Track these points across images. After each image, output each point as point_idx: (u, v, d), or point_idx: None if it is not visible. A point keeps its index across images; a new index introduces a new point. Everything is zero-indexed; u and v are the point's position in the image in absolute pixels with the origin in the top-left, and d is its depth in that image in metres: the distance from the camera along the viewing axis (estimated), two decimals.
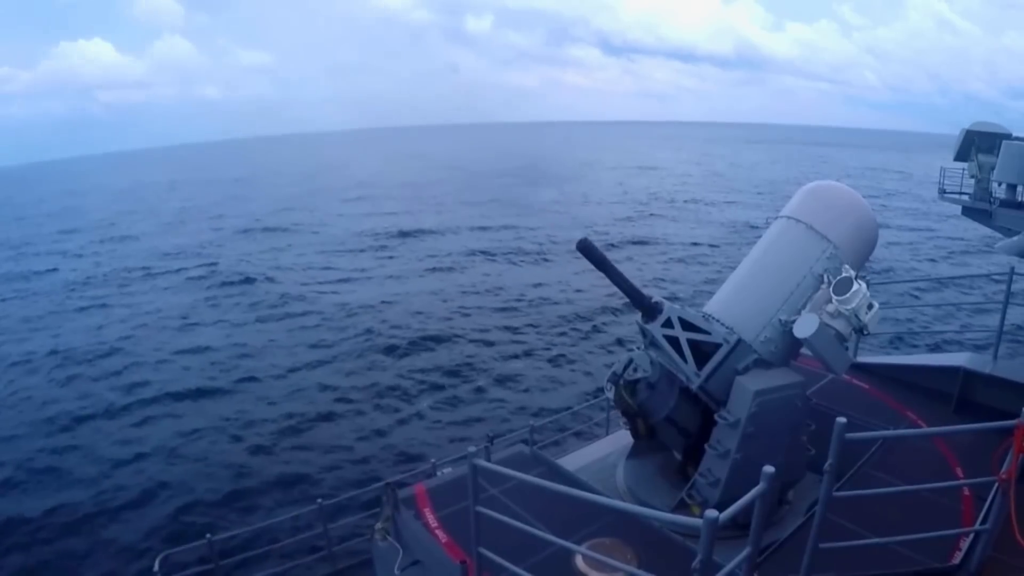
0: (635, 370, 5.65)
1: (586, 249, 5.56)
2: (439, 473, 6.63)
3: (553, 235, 38.84)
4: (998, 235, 14.01)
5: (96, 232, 49.35)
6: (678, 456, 6.21)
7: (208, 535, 6.59)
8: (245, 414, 16.30)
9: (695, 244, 36.65)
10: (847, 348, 5.55)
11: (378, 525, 5.59)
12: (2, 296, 30.79)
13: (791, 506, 5.75)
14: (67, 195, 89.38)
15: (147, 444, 14.97)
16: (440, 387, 17.53)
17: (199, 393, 17.73)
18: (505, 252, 35.23)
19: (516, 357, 19.74)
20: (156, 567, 5.96)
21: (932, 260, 33.40)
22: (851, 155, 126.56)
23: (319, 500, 6.88)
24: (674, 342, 5.59)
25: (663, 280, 28.60)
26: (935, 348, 18.18)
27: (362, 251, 36.66)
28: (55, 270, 36.05)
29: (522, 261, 33.11)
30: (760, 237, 6.34)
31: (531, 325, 22.86)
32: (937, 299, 24.50)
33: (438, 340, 21.39)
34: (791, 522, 5.45)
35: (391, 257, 35.09)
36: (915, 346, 18.53)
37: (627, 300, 5.84)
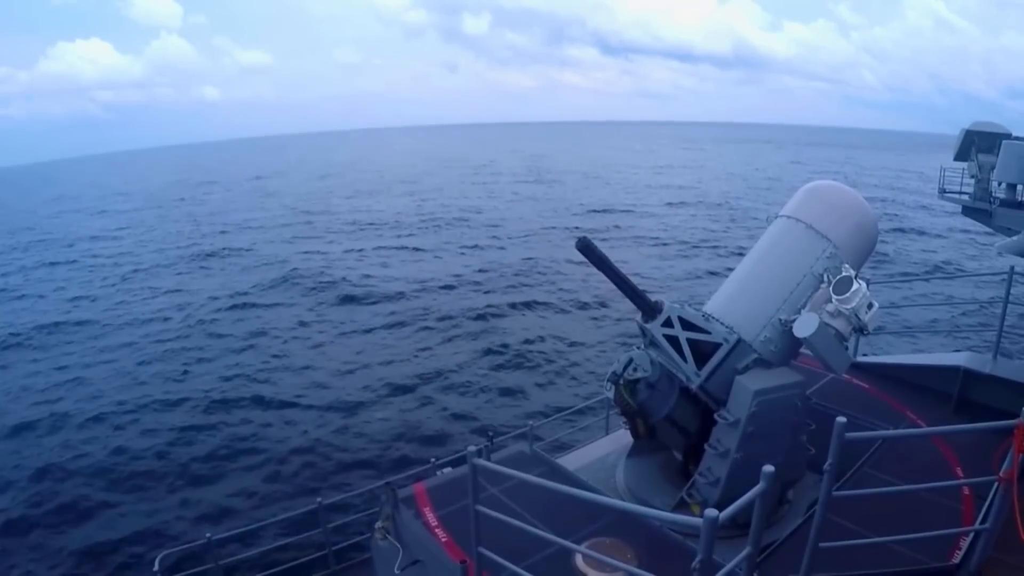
0: (635, 370, 5.66)
1: (586, 248, 5.55)
2: (439, 473, 6.63)
3: (554, 230, 38.93)
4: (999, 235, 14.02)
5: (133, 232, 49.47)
6: (678, 456, 6.21)
7: (208, 535, 6.60)
8: (244, 413, 16.30)
9: None
10: (847, 348, 5.55)
11: (378, 525, 5.59)
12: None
13: (791, 506, 5.75)
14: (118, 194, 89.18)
15: (146, 443, 14.97)
16: (440, 386, 17.54)
17: (198, 391, 17.75)
18: (503, 250, 35.28)
19: (516, 356, 19.75)
20: (156, 567, 5.97)
21: (933, 260, 33.40)
22: (865, 155, 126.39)
23: (319, 500, 6.88)
24: (674, 341, 5.60)
25: None
26: (935, 348, 18.18)
27: (359, 249, 36.69)
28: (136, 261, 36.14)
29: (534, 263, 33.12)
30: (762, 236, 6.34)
31: (531, 323, 22.87)
32: (937, 299, 24.51)
33: (437, 341, 21.42)
34: (791, 522, 5.45)
35: (398, 257, 35.13)
36: (915, 346, 18.53)
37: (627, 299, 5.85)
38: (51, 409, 17.25)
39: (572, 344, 20.88)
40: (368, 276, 30.26)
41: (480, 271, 30.83)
